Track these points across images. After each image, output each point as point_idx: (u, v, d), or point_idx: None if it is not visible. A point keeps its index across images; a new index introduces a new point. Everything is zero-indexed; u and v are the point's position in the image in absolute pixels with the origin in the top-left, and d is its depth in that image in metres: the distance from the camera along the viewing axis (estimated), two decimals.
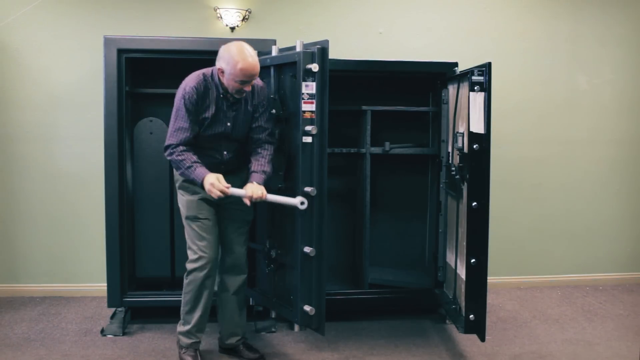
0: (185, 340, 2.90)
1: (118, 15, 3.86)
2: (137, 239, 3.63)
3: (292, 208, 2.79)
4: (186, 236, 2.87)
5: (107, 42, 3.26)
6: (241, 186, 2.71)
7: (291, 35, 3.79)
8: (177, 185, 2.90)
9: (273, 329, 3.38)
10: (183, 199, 2.86)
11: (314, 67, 2.74)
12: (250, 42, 3.27)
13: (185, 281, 2.85)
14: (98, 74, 3.56)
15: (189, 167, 2.66)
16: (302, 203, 2.72)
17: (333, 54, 2.84)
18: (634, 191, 4.41)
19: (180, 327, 2.92)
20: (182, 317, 2.91)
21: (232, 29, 3.91)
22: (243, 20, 3.92)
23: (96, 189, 3.70)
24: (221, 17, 3.89)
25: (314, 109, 2.77)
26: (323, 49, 2.78)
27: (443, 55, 3.86)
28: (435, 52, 4.01)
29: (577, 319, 3.69)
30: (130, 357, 3.05)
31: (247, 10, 3.92)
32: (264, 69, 3.10)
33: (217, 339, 3.10)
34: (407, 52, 4.00)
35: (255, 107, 2.85)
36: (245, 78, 2.64)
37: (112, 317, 3.43)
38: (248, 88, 2.72)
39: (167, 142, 2.71)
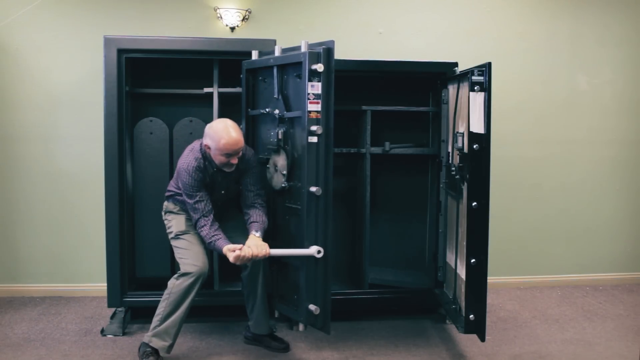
0: (157, 342, 2.88)
1: (118, 15, 3.86)
2: (137, 239, 3.62)
3: (298, 210, 2.85)
4: (176, 254, 3.01)
5: (107, 42, 3.26)
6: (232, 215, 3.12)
7: (291, 35, 3.80)
8: (165, 215, 3.13)
9: (273, 329, 3.38)
10: (172, 221, 3.07)
11: (320, 67, 2.74)
12: (250, 42, 3.32)
13: (176, 282, 2.89)
14: (98, 74, 3.56)
15: (210, 242, 2.88)
16: (318, 252, 2.79)
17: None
18: (634, 191, 4.41)
19: (156, 329, 2.90)
20: (160, 318, 2.90)
21: (232, 29, 3.91)
22: (243, 20, 3.92)
23: (96, 189, 3.70)
24: (221, 17, 3.89)
25: (319, 109, 2.78)
26: (329, 50, 2.78)
27: (443, 55, 3.86)
28: (435, 52, 4.01)
29: (577, 319, 3.69)
30: (130, 357, 3.05)
31: (247, 10, 3.92)
32: (266, 69, 3.10)
33: (244, 331, 3.24)
34: (407, 52, 4.00)
35: (244, 171, 3.02)
36: (230, 152, 2.82)
37: (112, 317, 3.42)
38: (235, 161, 2.88)
39: (193, 217, 2.93)
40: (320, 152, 2.81)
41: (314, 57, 2.76)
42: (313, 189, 2.78)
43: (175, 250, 3.02)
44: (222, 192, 3.05)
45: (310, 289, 2.85)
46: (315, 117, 2.78)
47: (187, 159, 2.91)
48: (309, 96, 2.76)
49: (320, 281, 2.85)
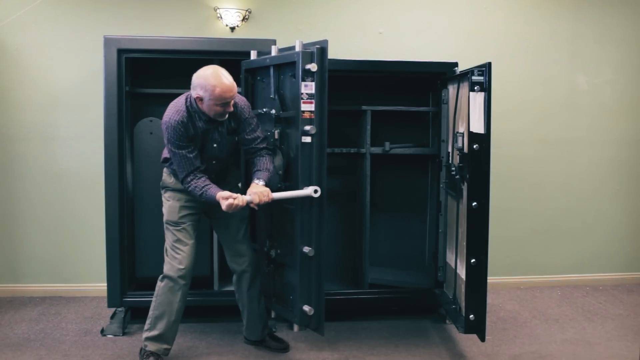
0: (153, 347, 2.86)
1: (118, 15, 3.86)
2: (137, 239, 3.62)
3: (292, 210, 2.82)
4: (165, 241, 2.92)
5: (107, 42, 3.26)
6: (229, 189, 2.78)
7: (291, 35, 3.79)
8: (162, 190, 2.97)
9: (273, 329, 3.38)
10: (167, 204, 2.93)
11: (313, 67, 2.73)
12: (250, 42, 3.32)
13: (160, 284, 2.87)
14: (98, 74, 3.56)
15: (201, 194, 2.72)
16: (315, 191, 2.74)
17: (333, 54, 2.84)
18: (634, 191, 4.41)
19: (148, 333, 2.88)
20: (150, 321, 2.88)
21: (232, 29, 3.91)
22: (243, 20, 3.92)
23: (96, 189, 3.70)
24: (221, 17, 3.89)
25: (313, 109, 2.76)
26: (322, 49, 2.77)
27: (443, 55, 3.86)
28: (435, 52, 4.01)
29: (577, 319, 3.69)
30: (130, 357, 3.05)
31: (247, 10, 3.92)
32: (264, 69, 3.10)
33: (243, 333, 3.21)
34: (407, 52, 4.00)
35: (238, 121, 2.85)
36: (225, 100, 2.66)
37: (112, 317, 3.42)
38: (230, 109, 2.72)
39: (180, 176, 2.78)
40: (313, 152, 2.79)
41: (308, 56, 2.75)
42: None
43: (165, 235, 2.92)
44: (214, 145, 2.84)
45: (304, 290, 2.84)
46: (308, 117, 2.76)
47: (170, 114, 2.73)
48: (302, 96, 2.74)
49: (314, 282, 2.84)
